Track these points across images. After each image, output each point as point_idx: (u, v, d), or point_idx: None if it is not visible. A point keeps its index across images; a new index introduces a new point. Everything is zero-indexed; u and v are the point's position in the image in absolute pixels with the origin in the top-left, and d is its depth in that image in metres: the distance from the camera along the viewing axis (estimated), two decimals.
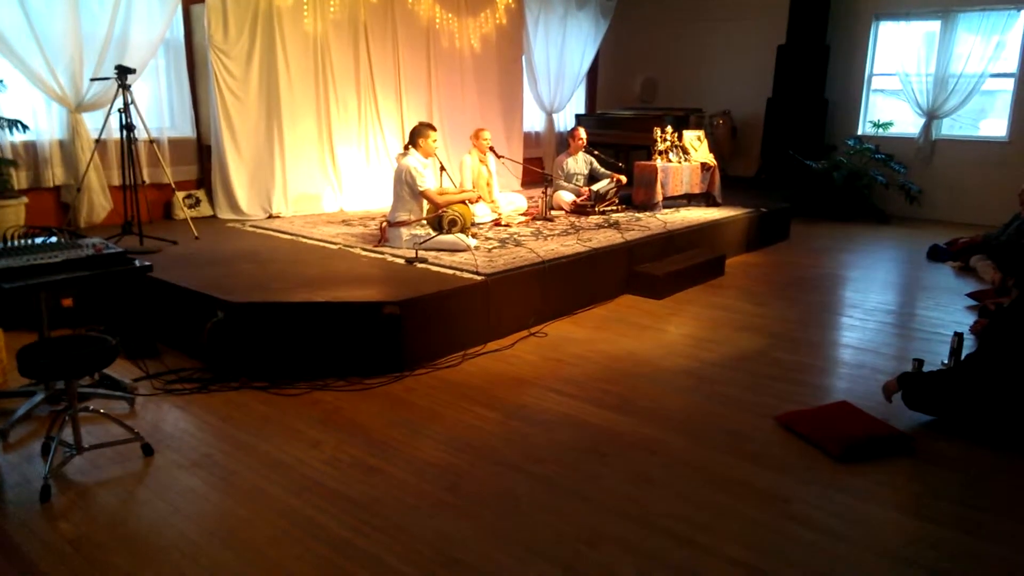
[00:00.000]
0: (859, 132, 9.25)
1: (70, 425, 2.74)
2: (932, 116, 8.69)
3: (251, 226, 5.77)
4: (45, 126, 5.25)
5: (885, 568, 2.26)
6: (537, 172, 7.35)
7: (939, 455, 2.98)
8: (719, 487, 2.70)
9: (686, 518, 2.49)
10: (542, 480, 2.72)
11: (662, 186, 6.76)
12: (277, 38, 6.09)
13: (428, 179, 4.97)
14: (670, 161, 6.95)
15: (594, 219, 6.26)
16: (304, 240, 5.25)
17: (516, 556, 2.26)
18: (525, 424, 3.19)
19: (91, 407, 3.04)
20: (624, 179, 6.77)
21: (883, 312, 5.07)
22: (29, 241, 2.99)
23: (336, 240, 5.18)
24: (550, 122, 9.47)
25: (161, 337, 4.03)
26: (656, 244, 5.66)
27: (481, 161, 6.07)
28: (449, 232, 4.84)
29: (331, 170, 6.69)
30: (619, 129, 8.68)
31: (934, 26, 8.61)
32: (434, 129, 5.10)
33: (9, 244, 2.90)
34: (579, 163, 6.88)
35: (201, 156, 6.19)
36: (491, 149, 6.10)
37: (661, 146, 6.94)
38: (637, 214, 6.57)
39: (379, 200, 6.77)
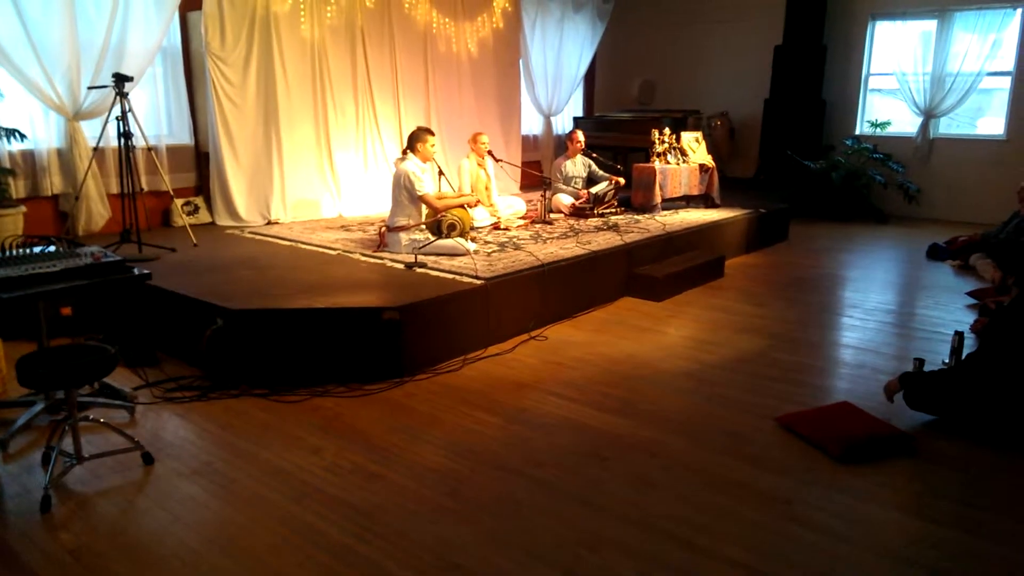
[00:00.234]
0: (857, 132, 9.26)
1: (70, 435, 2.74)
2: (929, 115, 8.70)
3: (250, 232, 5.77)
4: (43, 135, 5.26)
5: (886, 568, 2.26)
6: (535, 175, 7.36)
7: (940, 455, 2.97)
8: (720, 489, 2.69)
9: (687, 520, 2.48)
10: (543, 484, 2.71)
11: (661, 188, 6.77)
12: (274, 44, 6.10)
13: (427, 184, 4.98)
14: (668, 163, 6.96)
15: (593, 222, 6.26)
16: (303, 246, 5.26)
17: (517, 561, 2.26)
18: (525, 428, 3.18)
19: (91, 416, 3.03)
20: (623, 181, 6.78)
21: (883, 312, 5.07)
22: (27, 250, 2.99)
23: (335, 246, 5.18)
24: (548, 125, 9.48)
25: (160, 345, 4.03)
26: (655, 246, 5.66)
27: (479, 165, 6.08)
28: (448, 236, 4.84)
29: (329, 176, 6.70)
30: (617, 131, 8.69)
31: (930, 25, 8.63)
32: (432, 134, 5.10)
33: (7, 254, 2.90)
34: (577, 166, 6.89)
35: (199, 163, 6.20)
36: (489, 153, 6.11)
37: (659, 148, 6.95)
38: (636, 216, 6.57)
39: (378, 205, 6.77)
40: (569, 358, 4.05)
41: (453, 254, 4.76)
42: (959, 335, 3.53)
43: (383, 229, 5.14)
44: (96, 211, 5.42)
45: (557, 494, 2.65)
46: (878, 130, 9.03)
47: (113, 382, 3.46)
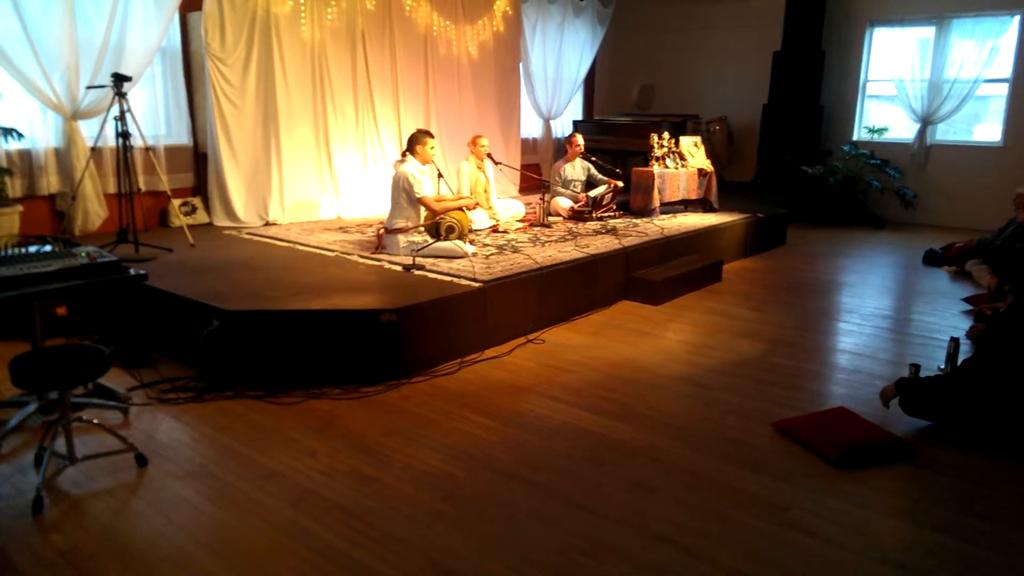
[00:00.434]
0: (854, 137, 9.28)
1: (63, 436, 2.73)
2: (927, 121, 8.72)
3: (248, 233, 5.76)
4: (41, 134, 5.24)
5: (884, 575, 2.25)
6: (535, 178, 7.35)
7: (936, 461, 2.97)
8: (717, 494, 2.68)
9: (684, 525, 2.47)
10: (539, 488, 2.70)
11: (659, 192, 6.77)
12: (274, 45, 6.10)
13: (426, 186, 4.97)
14: (667, 167, 6.96)
15: (592, 225, 6.26)
16: (301, 247, 5.24)
17: (511, 566, 2.24)
18: (522, 432, 3.17)
19: (84, 417, 3.01)
20: (621, 185, 6.78)
21: (880, 317, 5.07)
22: (23, 250, 2.97)
23: (333, 247, 5.17)
24: (547, 128, 9.49)
25: (156, 346, 4.01)
26: (654, 250, 5.66)
27: (479, 168, 6.07)
28: (447, 239, 4.84)
29: (328, 177, 6.69)
30: (616, 135, 8.69)
31: (928, 32, 8.66)
32: (432, 136, 5.10)
33: (3, 253, 2.88)
34: (576, 169, 6.89)
35: (197, 163, 6.18)
36: (489, 156, 6.11)
37: (658, 152, 6.95)
38: (634, 220, 6.57)
39: (376, 207, 6.77)
40: (567, 362, 4.04)
41: (451, 256, 4.76)
42: (955, 341, 3.54)
43: (381, 231, 5.13)
44: (93, 211, 5.40)
45: (553, 499, 2.64)
46: (876, 136, 9.05)
47: (108, 383, 3.44)
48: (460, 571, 2.21)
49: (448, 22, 7.65)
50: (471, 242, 5.14)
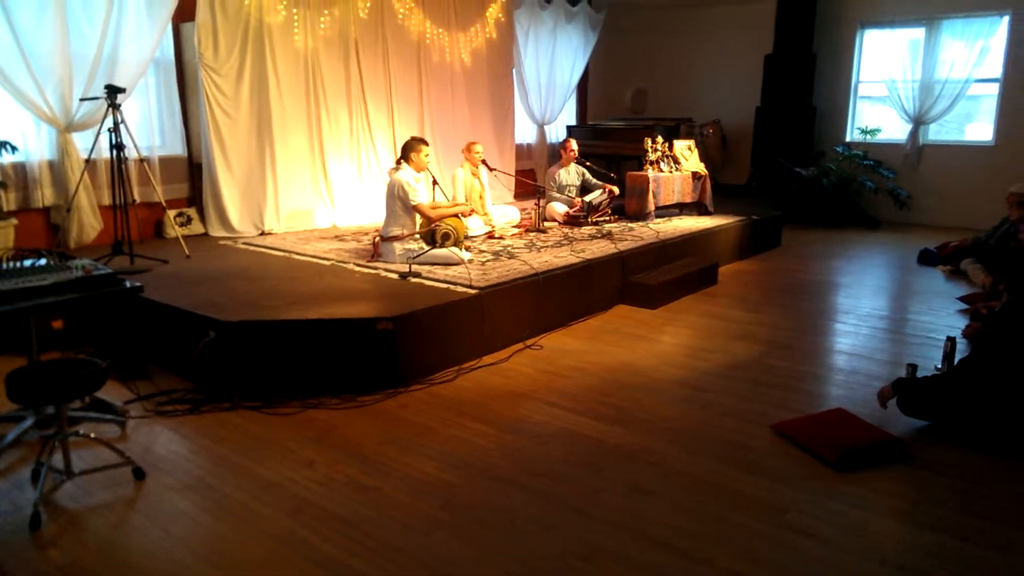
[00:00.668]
0: (847, 139, 9.32)
1: (60, 450, 2.72)
2: (919, 122, 8.77)
3: (243, 243, 5.76)
4: (34, 147, 5.23)
5: None
6: (529, 184, 7.37)
7: (935, 461, 2.97)
8: (715, 497, 2.69)
9: (682, 529, 2.47)
10: (537, 494, 2.70)
11: (654, 196, 6.79)
12: (267, 55, 6.10)
13: (421, 193, 4.98)
14: (661, 171, 6.98)
15: (587, 230, 6.27)
16: (297, 257, 5.24)
17: (511, 572, 2.24)
18: (520, 438, 3.17)
19: (81, 431, 3.00)
20: (616, 189, 6.80)
21: (876, 317, 5.08)
22: (18, 264, 2.97)
23: (329, 256, 5.17)
24: (542, 134, 9.51)
25: (152, 358, 4.00)
26: (649, 254, 5.67)
27: (473, 174, 6.08)
28: (442, 246, 4.84)
29: (323, 186, 6.69)
30: (610, 140, 8.72)
31: (919, 33, 8.71)
32: (426, 143, 5.11)
33: None
34: (571, 174, 6.91)
35: (192, 174, 6.18)
36: (483, 162, 6.12)
37: (652, 156, 6.98)
38: (630, 224, 6.58)
39: (372, 215, 6.77)
40: (564, 367, 4.04)
41: (447, 263, 4.76)
42: (951, 340, 3.55)
43: (377, 239, 5.14)
44: (88, 223, 5.39)
45: (551, 504, 2.64)
46: (868, 137, 9.10)
47: (104, 396, 3.43)
48: None
49: (441, 29, 7.67)
50: (467, 249, 5.14)
